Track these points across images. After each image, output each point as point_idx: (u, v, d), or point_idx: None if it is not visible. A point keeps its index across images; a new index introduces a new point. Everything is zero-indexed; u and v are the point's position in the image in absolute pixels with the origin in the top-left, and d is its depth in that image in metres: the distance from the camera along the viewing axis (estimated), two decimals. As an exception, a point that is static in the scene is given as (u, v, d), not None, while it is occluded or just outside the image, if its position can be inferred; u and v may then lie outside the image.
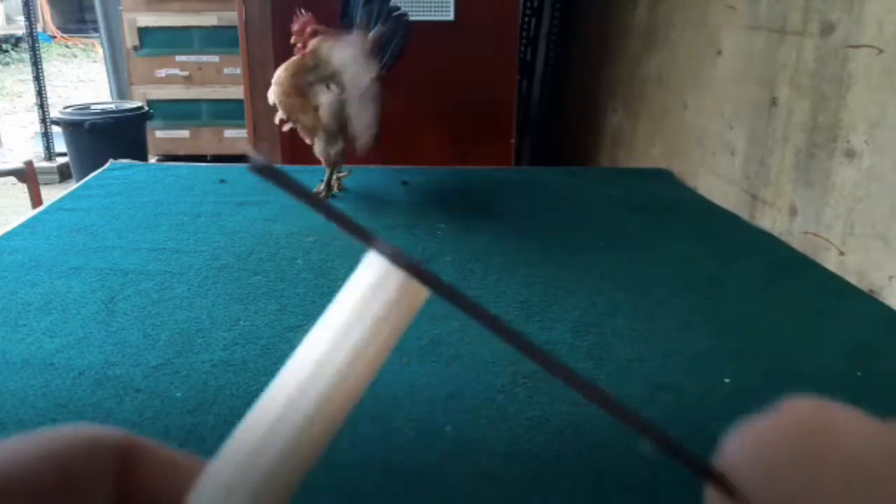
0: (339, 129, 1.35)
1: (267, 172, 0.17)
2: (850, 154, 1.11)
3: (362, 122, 1.35)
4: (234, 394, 0.75)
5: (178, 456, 0.19)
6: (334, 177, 1.45)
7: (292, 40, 1.34)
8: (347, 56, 1.33)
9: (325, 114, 1.33)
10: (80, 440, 0.18)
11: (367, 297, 0.17)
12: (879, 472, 0.15)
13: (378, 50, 1.38)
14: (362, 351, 0.17)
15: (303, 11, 1.33)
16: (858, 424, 0.17)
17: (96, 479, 0.18)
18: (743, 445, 0.17)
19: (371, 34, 1.37)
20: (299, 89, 1.33)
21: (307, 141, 1.40)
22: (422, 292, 0.18)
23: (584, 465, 0.66)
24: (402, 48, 1.42)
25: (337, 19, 1.40)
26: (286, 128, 1.39)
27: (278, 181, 0.17)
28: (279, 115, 1.36)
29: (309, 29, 1.32)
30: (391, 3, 1.41)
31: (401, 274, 0.17)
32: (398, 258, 0.17)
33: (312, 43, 1.33)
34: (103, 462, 0.18)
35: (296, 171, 1.48)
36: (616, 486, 0.63)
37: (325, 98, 1.32)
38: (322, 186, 1.43)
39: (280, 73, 1.35)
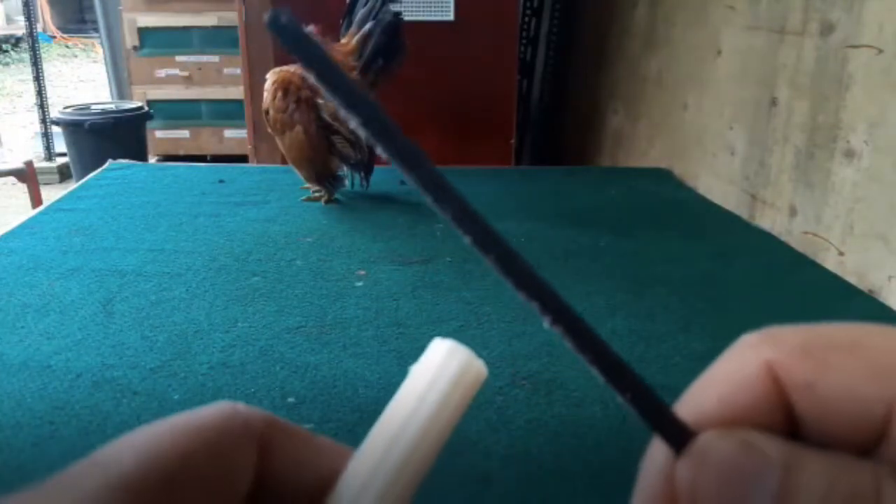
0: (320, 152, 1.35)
1: (288, 32, 0.15)
2: (850, 154, 1.11)
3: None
4: (232, 396, 0.75)
5: (316, 439, 0.20)
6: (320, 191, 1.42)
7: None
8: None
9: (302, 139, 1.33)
10: (233, 423, 0.19)
11: (435, 375, 0.21)
12: None
13: (360, 52, 1.35)
14: (435, 421, 0.21)
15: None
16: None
17: (244, 461, 0.19)
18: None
19: (356, 37, 1.35)
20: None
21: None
22: (482, 370, 0.21)
23: (582, 466, 0.66)
24: (383, 46, 1.36)
25: (337, 18, 1.40)
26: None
27: (298, 46, 0.15)
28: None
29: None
30: (386, 6, 1.36)
31: (463, 353, 0.22)
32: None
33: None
34: (250, 443, 0.19)
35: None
36: (615, 488, 0.63)
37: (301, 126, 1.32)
38: (321, 191, 1.41)
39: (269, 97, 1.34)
